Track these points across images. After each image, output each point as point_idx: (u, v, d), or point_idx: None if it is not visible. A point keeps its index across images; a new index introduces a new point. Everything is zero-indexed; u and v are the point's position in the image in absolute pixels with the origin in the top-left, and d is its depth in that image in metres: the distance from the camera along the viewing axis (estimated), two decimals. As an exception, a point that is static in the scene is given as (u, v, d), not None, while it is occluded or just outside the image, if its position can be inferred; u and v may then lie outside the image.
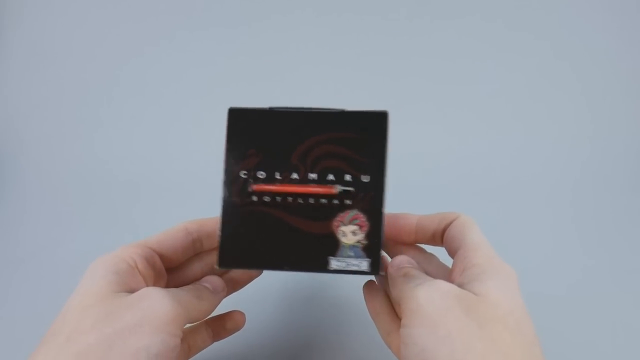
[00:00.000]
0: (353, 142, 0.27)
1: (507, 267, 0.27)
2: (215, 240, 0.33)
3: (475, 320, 0.24)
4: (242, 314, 0.36)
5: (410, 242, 0.33)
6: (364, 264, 0.27)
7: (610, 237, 0.52)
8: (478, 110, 0.64)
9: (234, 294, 0.36)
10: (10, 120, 0.64)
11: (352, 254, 0.27)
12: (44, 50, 0.64)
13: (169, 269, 0.32)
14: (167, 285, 0.32)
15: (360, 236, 0.27)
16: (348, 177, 0.27)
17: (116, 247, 0.30)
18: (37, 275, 0.48)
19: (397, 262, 0.29)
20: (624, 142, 0.63)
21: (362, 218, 0.27)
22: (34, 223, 0.55)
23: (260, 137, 0.28)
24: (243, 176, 0.28)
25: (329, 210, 0.27)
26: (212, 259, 0.34)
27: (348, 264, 0.26)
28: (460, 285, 0.26)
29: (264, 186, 0.27)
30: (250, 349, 0.39)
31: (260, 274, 0.36)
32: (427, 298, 0.25)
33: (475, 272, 0.26)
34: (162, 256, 0.31)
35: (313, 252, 0.27)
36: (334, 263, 0.27)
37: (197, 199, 0.57)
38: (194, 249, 0.32)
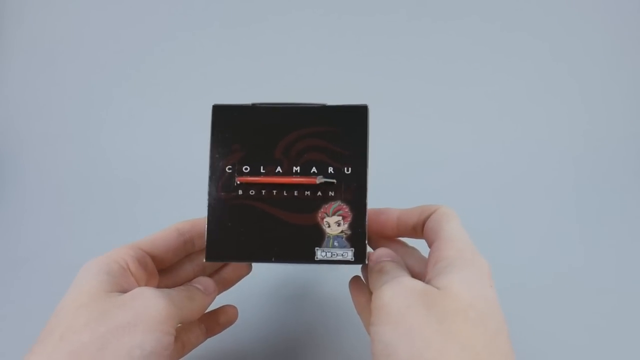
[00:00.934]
0: (335, 136, 0.28)
1: (478, 260, 0.27)
2: None
3: (435, 315, 0.24)
4: (235, 308, 0.36)
5: (392, 236, 0.33)
6: (348, 254, 0.27)
7: (607, 235, 0.53)
8: (475, 111, 0.64)
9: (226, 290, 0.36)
10: (10, 120, 0.64)
11: (336, 244, 0.27)
12: (44, 50, 0.64)
13: (161, 269, 0.32)
14: (159, 286, 0.32)
15: (344, 227, 0.27)
16: (331, 170, 0.28)
17: (117, 247, 0.30)
18: (37, 275, 0.48)
19: (376, 256, 0.30)
20: (621, 142, 0.63)
21: (345, 209, 0.28)
22: (34, 223, 0.55)
23: (244, 133, 0.29)
24: (228, 171, 0.28)
25: (313, 202, 0.28)
26: (203, 259, 0.34)
27: (333, 254, 0.27)
28: (430, 279, 0.27)
29: (249, 178, 0.28)
30: (243, 345, 0.40)
31: (249, 272, 0.36)
32: (391, 296, 0.26)
33: (442, 265, 0.27)
34: (154, 257, 0.31)
35: (299, 244, 0.27)
36: (320, 253, 0.27)
37: (197, 199, 0.57)
38: (185, 249, 0.33)
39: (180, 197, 0.57)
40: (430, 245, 0.30)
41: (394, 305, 0.25)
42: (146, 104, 0.64)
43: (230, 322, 0.36)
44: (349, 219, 0.27)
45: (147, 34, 0.65)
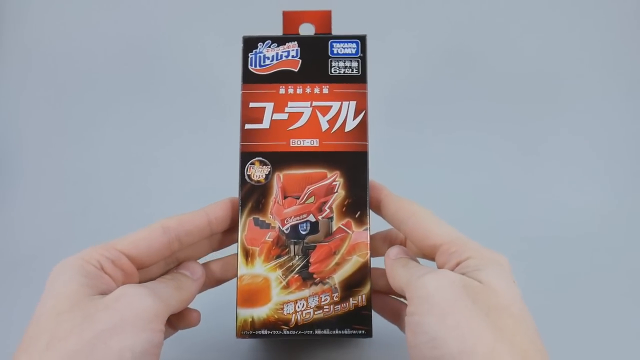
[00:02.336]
0: None
1: (500, 257, 0.27)
2: (195, 237, 0.31)
3: (483, 309, 0.24)
4: (197, 313, 0.33)
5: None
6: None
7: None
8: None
9: (225, 292, 0.35)
10: (10, 120, 0.64)
11: None
12: (44, 50, 0.64)
13: (140, 268, 0.30)
14: (140, 282, 0.30)
15: None
16: None
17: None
18: (37, 276, 0.48)
19: (394, 253, 0.31)
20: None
21: None
22: (34, 223, 0.55)
23: None
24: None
25: None
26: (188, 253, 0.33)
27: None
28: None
29: None
30: (242, 348, 0.40)
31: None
32: (436, 287, 0.25)
33: (473, 263, 0.27)
34: (133, 258, 0.29)
35: None
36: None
37: (198, 199, 0.57)
38: (170, 248, 0.30)
39: (181, 198, 0.57)
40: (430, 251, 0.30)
41: (439, 296, 0.25)
42: (147, 104, 0.64)
43: (190, 326, 0.33)
44: None
45: (148, 34, 0.65)
